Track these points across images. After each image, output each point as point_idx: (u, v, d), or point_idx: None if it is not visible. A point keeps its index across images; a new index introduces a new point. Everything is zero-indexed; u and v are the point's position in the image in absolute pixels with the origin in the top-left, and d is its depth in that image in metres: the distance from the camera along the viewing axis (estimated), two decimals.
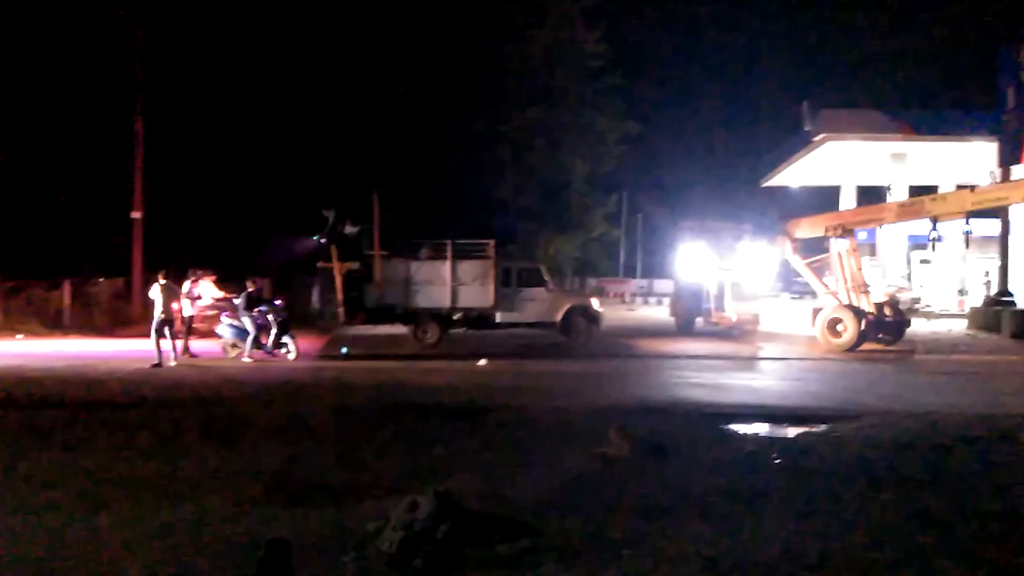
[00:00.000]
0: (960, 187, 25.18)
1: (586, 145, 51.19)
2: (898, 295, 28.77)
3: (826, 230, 23.70)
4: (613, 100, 51.68)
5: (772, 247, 24.97)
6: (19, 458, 9.19)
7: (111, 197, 31.37)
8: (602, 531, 6.53)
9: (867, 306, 22.93)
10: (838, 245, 23.47)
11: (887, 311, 23.55)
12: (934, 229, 22.82)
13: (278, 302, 20.08)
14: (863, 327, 22.40)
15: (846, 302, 22.94)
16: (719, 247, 26.89)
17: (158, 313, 18.44)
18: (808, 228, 24.32)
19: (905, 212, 23.97)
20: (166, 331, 18.49)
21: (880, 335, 23.13)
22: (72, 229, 35.05)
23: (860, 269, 23.62)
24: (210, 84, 37.21)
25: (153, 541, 6.48)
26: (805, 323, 23.89)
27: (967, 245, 32.96)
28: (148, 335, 18.60)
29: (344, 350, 20.54)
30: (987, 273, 35.75)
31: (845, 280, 23.32)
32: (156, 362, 18.13)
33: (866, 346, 22.48)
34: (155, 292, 18.70)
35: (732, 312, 25.76)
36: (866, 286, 23.62)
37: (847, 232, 23.49)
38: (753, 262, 25.71)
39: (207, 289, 20.93)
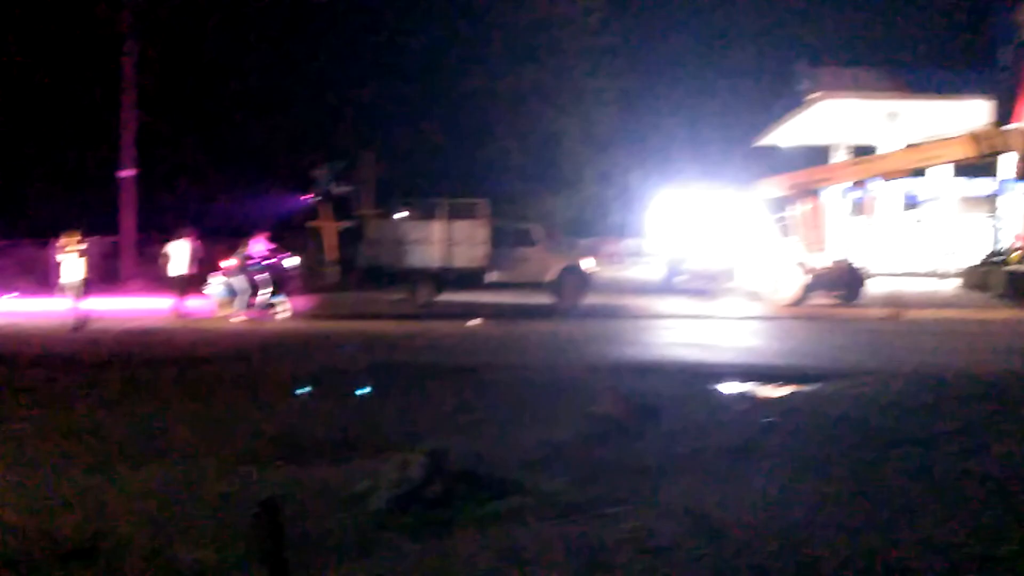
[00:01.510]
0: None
1: (579, 104, 50.89)
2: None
3: (787, 189, 24.20)
4: (607, 58, 51.30)
5: (744, 206, 25.45)
6: (6, 416, 9.17)
7: (103, 156, 31.12)
8: (592, 489, 6.55)
9: (817, 264, 23.37)
10: (797, 204, 23.99)
11: (840, 269, 24.09)
12: (868, 188, 23.91)
13: (271, 260, 20.03)
14: (807, 283, 22.89)
15: (796, 259, 23.34)
16: (699, 206, 27.12)
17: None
18: (772, 188, 24.73)
19: (856, 171, 24.61)
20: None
21: (833, 292, 23.65)
22: (64, 188, 34.82)
23: (819, 228, 24.27)
24: (198, 39, 36.81)
25: (144, 499, 6.49)
26: (766, 280, 24.41)
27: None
28: (138, 293, 18.73)
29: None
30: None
31: (803, 238, 23.85)
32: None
33: (818, 303, 22.99)
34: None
35: (708, 269, 26.17)
36: (822, 244, 24.17)
37: (806, 192, 24.00)
38: (730, 221, 26.02)
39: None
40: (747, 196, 25.42)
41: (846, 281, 23.98)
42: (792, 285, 23.11)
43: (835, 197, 40.02)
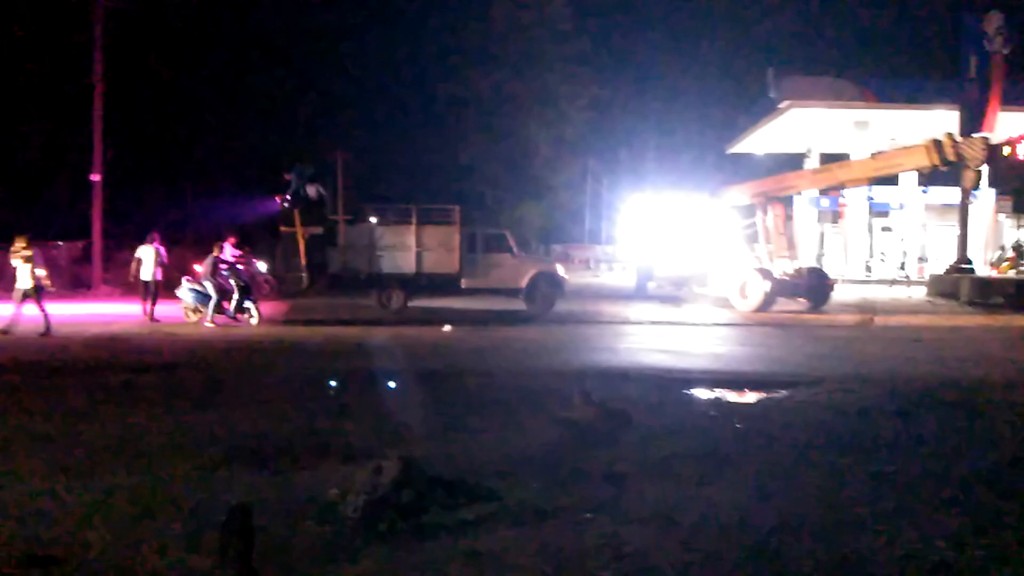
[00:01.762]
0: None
1: (552, 111, 51.02)
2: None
3: (752, 197, 24.41)
4: (579, 66, 51.47)
5: (712, 212, 25.81)
6: None
7: (73, 160, 30.91)
8: (564, 496, 6.55)
9: (780, 271, 23.75)
10: (762, 211, 24.41)
11: (804, 276, 24.50)
12: (842, 195, 24.39)
13: (240, 266, 19.92)
14: (769, 290, 23.14)
15: (759, 266, 23.74)
16: (671, 214, 27.30)
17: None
18: (737, 195, 25.00)
19: (817, 179, 25.01)
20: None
21: (798, 299, 24.06)
22: (33, 192, 34.53)
23: (783, 235, 24.66)
24: (169, 44, 36.62)
25: (115, 505, 6.42)
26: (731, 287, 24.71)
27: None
28: (108, 298, 18.57)
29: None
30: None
31: (767, 245, 24.36)
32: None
33: (786, 309, 23.35)
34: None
35: (678, 276, 26.44)
36: (788, 251, 24.66)
37: (770, 199, 24.41)
38: (699, 227, 26.28)
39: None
40: (715, 203, 25.65)
41: (812, 288, 24.26)
42: (755, 292, 23.33)
43: (805, 205, 40.53)
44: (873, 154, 24.50)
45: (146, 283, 19.93)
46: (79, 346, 15.66)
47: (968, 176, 22.18)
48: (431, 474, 6.49)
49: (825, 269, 28.16)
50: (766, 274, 23.60)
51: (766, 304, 23.26)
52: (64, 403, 10.06)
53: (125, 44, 31.32)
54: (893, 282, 34.84)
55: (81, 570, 5.30)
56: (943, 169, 22.87)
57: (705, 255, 25.99)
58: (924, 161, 22.26)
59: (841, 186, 24.43)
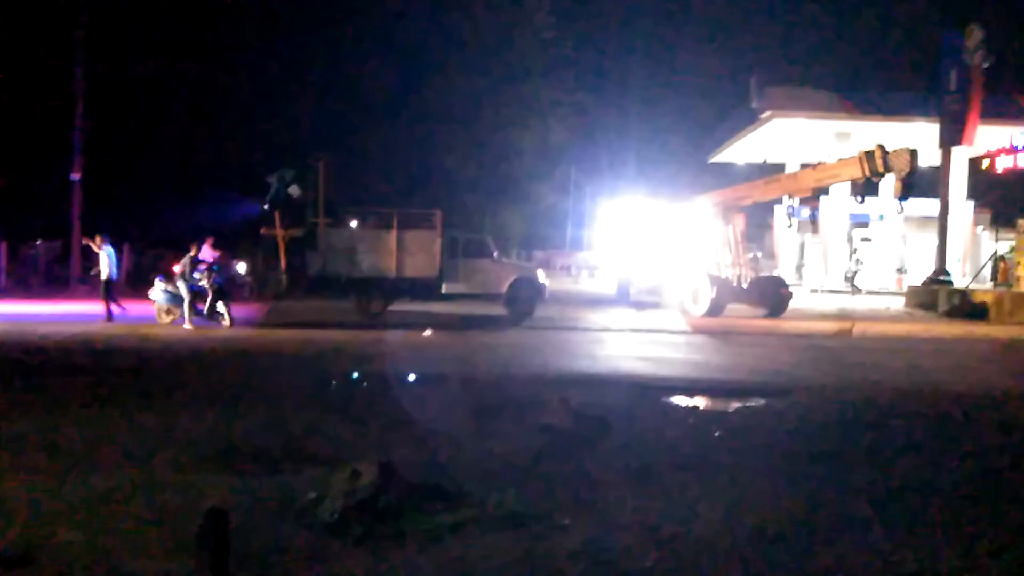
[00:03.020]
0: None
1: (534, 117, 51.08)
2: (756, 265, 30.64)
3: (712, 206, 25.33)
4: (562, 72, 51.57)
5: (677, 220, 26.60)
6: None
7: (53, 159, 30.73)
8: (544, 501, 6.54)
9: (732, 278, 24.80)
10: (723, 221, 25.24)
11: (760, 284, 25.59)
12: (791, 206, 25.62)
13: (216, 267, 19.84)
14: (716, 296, 24.12)
15: (710, 273, 24.61)
16: (648, 221, 27.59)
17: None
18: (702, 204, 25.47)
19: (768, 190, 25.64)
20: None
21: (757, 306, 24.94)
22: (12, 191, 34.28)
23: (740, 243, 25.54)
24: (152, 43, 36.46)
25: (86, 508, 6.36)
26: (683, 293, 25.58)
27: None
28: (84, 299, 18.50)
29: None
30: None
31: (724, 253, 25.18)
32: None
33: (739, 315, 24.20)
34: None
35: (652, 283, 26.89)
36: (743, 260, 25.54)
37: (729, 208, 25.31)
38: (673, 236, 26.88)
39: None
40: (685, 211, 26.11)
41: (767, 295, 25.10)
42: (704, 298, 24.29)
43: (783, 216, 40.74)
44: (814, 165, 25.13)
45: (105, 283, 20.04)
46: (51, 346, 15.53)
47: (896, 187, 22.57)
48: (409, 479, 6.47)
49: (783, 278, 28.83)
50: (715, 280, 24.51)
51: (714, 310, 24.13)
52: (35, 405, 9.97)
53: (107, 43, 31.18)
54: (868, 292, 35.18)
55: (53, 572, 5.25)
56: (875, 180, 23.29)
57: (672, 263, 26.38)
58: (857, 172, 22.73)
59: (789, 196, 25.28)
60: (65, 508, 6.36)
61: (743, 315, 24.41)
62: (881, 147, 22.22)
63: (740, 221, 25.86)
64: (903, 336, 21.21)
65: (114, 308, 20.12)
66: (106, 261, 20.14)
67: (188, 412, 9.67)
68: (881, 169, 22.15)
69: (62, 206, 29.14)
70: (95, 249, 20.51)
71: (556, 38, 50.58)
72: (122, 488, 6.85)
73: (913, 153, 21.82)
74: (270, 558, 5.48)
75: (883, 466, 7.82)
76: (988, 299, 26.48)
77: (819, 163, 25.26)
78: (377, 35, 45.83)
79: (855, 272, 36.72)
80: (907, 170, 21.85)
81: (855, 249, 37.90)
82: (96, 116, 29.85)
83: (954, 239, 33.59)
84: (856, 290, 35.44)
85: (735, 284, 24.87)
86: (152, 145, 37.35)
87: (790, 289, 26.30)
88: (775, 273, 29.17)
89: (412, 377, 12.56)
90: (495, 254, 22.83)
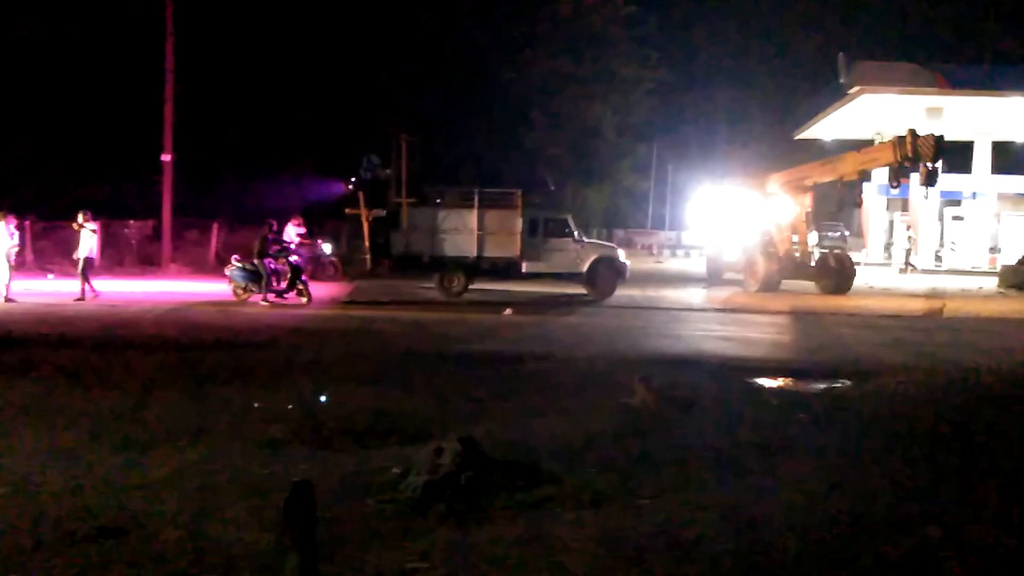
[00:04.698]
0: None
1: (616, 94, 50.73)
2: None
3: (780, 186, 25.49)
4: (645, 49, 51.09)
5: (752, 200, 26.48)
6: (38, 399, 9.23)
7: (145, 140, 31.44)
8: (624, 481, 6.54)
9: (794, 254, 25.26)
10: (792, 199, 25.34)
11: (823, 261, 25.83)
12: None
13: (299, 245, 20.12)
14: (772, 272, 24.32)
15: (767, 250, 24.86)
16: (735, 202, 27.27)
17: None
18: (772, 185, 25.87)
19: (824, 171, 25.86)
20: None
21: (815, 281, 24.96)
22: (107, 172, 35.29)
23: (804, 221, 25.77)
24: (241, 28, 37.08)
25: (176, 482, 6.55)
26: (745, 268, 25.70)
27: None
28: (175, 276, 18.85)
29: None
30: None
31: (788, 231, 25.38)
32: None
33: (809, 293, 24.16)
34: None
35: (737, 262, 26.70)
36: (805, 236, 25.89)
37: (796, 188, 25.44)
38: (752, 215, 26.73)
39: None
40: (756, 190, 25.94)
41: (830, 272, 25.04)
42: (759, 273, 24.36)
43: (873, 194, 39.85)
44: (859, 148, 24.96)
45: (83, 261, 19.52)
46: (140, 323, 15.93)
47: (921, 172, 22.16)
48: (491, 456, 6.52)
49: (852, 256, 28.38)
50: (772, 257, 24.59)
51: (769, 285, 24.12)
52: (125, 381, 10.20)
53: (196, 29, 31.77)
54: (962, 272, 34.22)
55: (147, 543, 5.43)
56: (907, 166, 23.00)
57: (747, 241, 26.21)
58: (891, 157, 22.70)
59: (840, 178, 25.17)
60: (155, 482, 6.55)
61: (815, 294, 24.19)
62: (912, 132, 22.05)
63: (807, 200, 25.94)
64: (996, 317, 20.63)
65: (87, 290, 19.46)
66: (88, 240, 19.74)
67: (273, 388, 9.86)
68: (911, 154, 21.91)
69: (154, 187, 29.80)
70: (75, 228, 19.85)
71: (638, 13, 50.07)
72: (211, 461, 7.03)
73: (939, 140, 21.76)
74: (354, 531, 5.58)
75: (972, 450, 7.62)
76: None
77: (862, 147, 25.11)
78: (460, 16, 45.93)
79: (908, 250, 35.77)
80: (930, 156, 21.57)
81: (908, 226, 36.87)
82: (187, 97, 30.42)
83: None
84: (911, 267, 34.55)
85: (797, 261, 25.16)
86: (243, 125, 38.02)
87: (854, 267, 26.22)
88: (855, 252, 28.83)
89: (492, 355, 12.63)
90: (576, 233, 22.76)
